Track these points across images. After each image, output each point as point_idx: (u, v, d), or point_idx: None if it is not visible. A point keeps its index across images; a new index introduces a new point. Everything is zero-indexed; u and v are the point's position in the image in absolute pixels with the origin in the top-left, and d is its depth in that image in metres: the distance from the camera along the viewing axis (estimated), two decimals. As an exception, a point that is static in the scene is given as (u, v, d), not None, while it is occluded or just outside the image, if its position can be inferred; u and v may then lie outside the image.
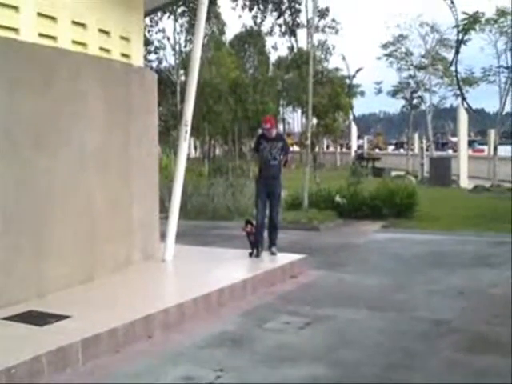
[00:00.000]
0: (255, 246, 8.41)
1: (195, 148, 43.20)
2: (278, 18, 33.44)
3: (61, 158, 6.60)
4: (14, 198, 6.02)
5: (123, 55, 7.92)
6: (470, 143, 36.77)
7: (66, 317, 5.48)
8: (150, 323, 5.65)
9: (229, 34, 39.13)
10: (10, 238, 5.96)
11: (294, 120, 56.97)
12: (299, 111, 44.18)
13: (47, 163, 6.41)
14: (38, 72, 6.35)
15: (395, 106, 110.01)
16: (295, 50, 38.34)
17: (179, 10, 27.31)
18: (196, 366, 4.89)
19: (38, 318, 5.45)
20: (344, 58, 40.20)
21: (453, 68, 27.80)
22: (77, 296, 6.28)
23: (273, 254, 8.59)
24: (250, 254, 8.39)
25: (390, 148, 55.61)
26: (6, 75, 5.97)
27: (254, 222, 8.52)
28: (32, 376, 4.44)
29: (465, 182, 24.38)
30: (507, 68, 25.54)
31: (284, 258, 8.43)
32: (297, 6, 31.12)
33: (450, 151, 42.52)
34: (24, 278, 6.06)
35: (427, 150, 32.78)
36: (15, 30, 6.18)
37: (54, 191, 6.50)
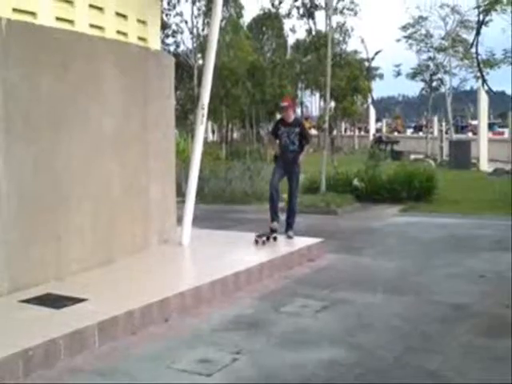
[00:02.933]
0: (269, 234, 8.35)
1: (213, 132, 43.14)
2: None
3: (79, 140, 6.60)
4: (31, 179, 6.04)
5: (140, 39, 7.87)
6: (490, 126, 36.26)
7: (83, 300, 5.51)
8: (166, 306, 5.65)
9: (247, 17, 38.84)
10: (28, 220, 5.98)
11: (312, 103, 56.64)
12: (317, 94, 43.84)
13: (65, 145, 6.42)
14: (56, 56, 6.34)
15: (414, 88, 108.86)
16: (313, 33, 37.96)
17: (197, -7, 27.13)
18: (212, 349, 4.89)
19: (55, 301, 5.48)
20: (363, 41, 39.65)
21: (473, 50, 27.38)
22: (94, 279, 6.30)
23: (289, 237, 8.54)
24: (256, 242, 8.18)
25: (409, 131, 55.11)
26: (24, 59, 5.96)
27: (269, 200, 8.59)
28: (49, 358, 4.47)
29: (485, 165, 24.06)
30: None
31: (301, 242, 8.39)
32: (315, -13, 30.73)
33: (470, 134, 41.98)
34: (42, 260, 6.10)
35: (447, 132, 32.40)
36: (32, 13, 6.16)
37: (72, 173, 6.51)
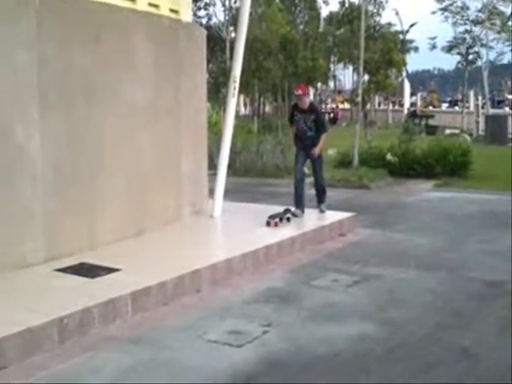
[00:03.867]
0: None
1: (245, 105, 43.05)
2: (330, -29, 32.56)
3: (111, 112, 6.62)
4: (66, 151, 6.10)
5: (172, 11, 7.83)
6: (528, 100, 35.39)
7: (117, 269, 5.58)
8: (198, 278, 5.70)
9: (279, -11, 38.35)
10: (63, 190, 6.06)
11: (345, 77, 56.07)
12: (350, 68, 43.41)
13: (98, 117, 6.45)
14: (88, 28, 6.34)
15: (450, 62, 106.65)
16: (346, 5, 37.38)
17: (229, -36, 26.91)
18: (243, 321, 4.93)
19: (89, 271, 5.57)
20: (397, 13, 38.99)
21: (510, 23, 26.59)
22: (127, 249, 6.37)
23: (322, 211, 8.49)
24: (268, 224, 7.61)
25: (444, 105, 54.15)
26: (58, 31, 5.98)
27: (294, 183, 8.35)
28: (83, 326, 4.56)
29: (522, 141, 23.53)
30: None
31: (333, 216, 8.34)
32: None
33: (507, 109, 41.04)
34: (76, 229, 6.19)
35: (483, 107, 31.75)
36: (65, -15, 6.16)
37: (105, 145, 6.54)
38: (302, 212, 8.25)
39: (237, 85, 8.27)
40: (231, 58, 11.50)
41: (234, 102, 8.53)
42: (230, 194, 8.63)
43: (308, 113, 8.24)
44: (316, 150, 8.25)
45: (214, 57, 27.68)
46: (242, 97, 36.34)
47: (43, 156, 5.84)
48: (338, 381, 3.93)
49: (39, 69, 5.77)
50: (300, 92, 8.29)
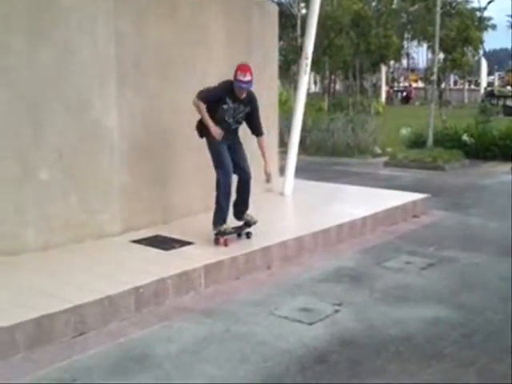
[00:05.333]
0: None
1: (315, 83, 42.64)
2: None
3: (185, 87, 6.65)
4: (140, 126, 6.21)
5: (246, -13, 7.79)
6: None
7: (189, 243, 5.68)
8: (269, 254, 5.72)
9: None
10: (138, 165, 6.19)
11: (419, 55, 54.65)
12: (425, 45, 42.15)
13: (172, 92, 6.52)
14: (164, 3, 6.40)
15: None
16: (422, -20, 36.13)
17: None
18: (314, 299, 4.92)
19: (163, 243, 5.69)
20: (476, -12, 37.47)
21: None
22: (198, 224, 6.43)
23: (253, 222, 6.14)
24: (216, 241, 5.80)
25: (523, 86, 51.88)
26: (134, 8, 6.07)
27: (222, 186, 5.93)
28: (158, 296, 4.67)
29: None
30: None
31: (406, 197, 8.18)
32: None
33: None
34: (151, 203, 6.32)
35: None
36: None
37: (178, 120, 6.60)
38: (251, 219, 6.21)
39: (309, 62, 8.18)
40: (302, 34, 11.38)
41: (306, 80, 8.44)
42: (300, 172, 8.59)
43: (243, 104, 5.93)
44: (268, 170, 6.20)
45: (284, 33, 27.46)
46: (312, 74, 35.99)
47: (119, 130, 5.98)
48: (411, 364, 3.86)
49: (116, 44, 5.87)
50: (249, 78, 5.75)
